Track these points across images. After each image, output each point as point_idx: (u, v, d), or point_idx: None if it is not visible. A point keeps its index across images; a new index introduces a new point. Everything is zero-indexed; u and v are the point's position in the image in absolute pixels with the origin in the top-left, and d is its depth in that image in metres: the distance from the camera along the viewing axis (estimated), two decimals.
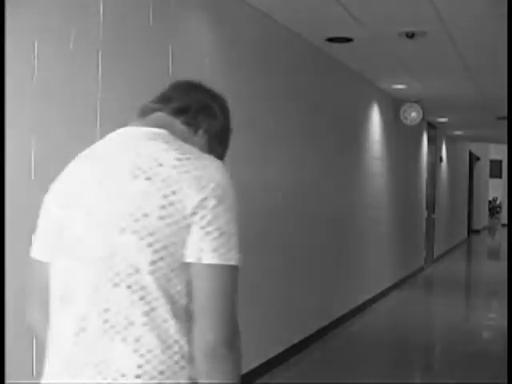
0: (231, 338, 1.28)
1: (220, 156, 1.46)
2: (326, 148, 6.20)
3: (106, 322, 1.22)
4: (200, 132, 1.43)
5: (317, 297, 5.94)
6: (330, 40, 5.52)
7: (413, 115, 8.68)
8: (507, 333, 5.45)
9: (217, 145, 1.48)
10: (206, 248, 1.22)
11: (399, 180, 9.37)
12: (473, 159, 19.40)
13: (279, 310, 5.12)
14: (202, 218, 1.22)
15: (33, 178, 2.66)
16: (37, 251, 1.42)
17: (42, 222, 1.43)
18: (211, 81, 4.26)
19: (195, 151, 1.32)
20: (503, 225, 23.35)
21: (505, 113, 9.28)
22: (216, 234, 1.23)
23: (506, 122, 10.08)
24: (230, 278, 1.30)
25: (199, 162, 1.27)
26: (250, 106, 4.59)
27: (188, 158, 1.26)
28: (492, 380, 4.79)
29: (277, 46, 5.02)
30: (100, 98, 3.04)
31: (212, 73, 4.06)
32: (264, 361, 4.82)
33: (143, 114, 1.42)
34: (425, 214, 11.54)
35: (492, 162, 23.58)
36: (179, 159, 1.25)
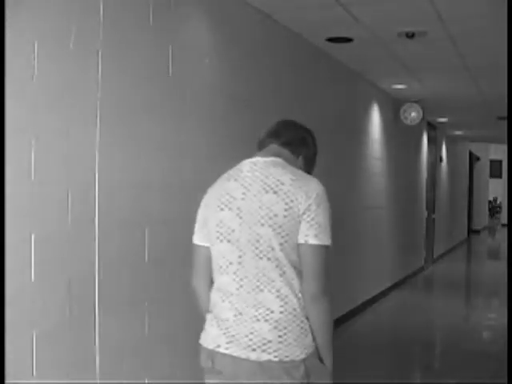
0: (323, 289, 1.96)
1: (310, 172, 2.24)
2: (325, 148, 6.19)
3: (257, 280, 1.98)
4: (300, 157, 2.23)
5: None
6: (330, 40, 5.52)
7: (413, 115, 8.67)
8: (507, 333, 5.45)
9: (310, 165, 2.28)
10: (310, 234, 1.95)
11: (399, 180, 9.37)
12: (473, 159, 19.39)
13: None
14: (308, 216, 1.96)
15: (33, 178, 2.66)
16: (199, 240, 2.18)
17: (200, 221, 2.19)
18: (211, 81, 4.24)
19: (300, 172, 2.10)
20: (503, 225, 23.34)
21: (505, 113, 9.28)
22: (316, 226, 1.96)
23: (506, 122, 10.08)
24: (324, 253, 1.98)
25: (305, 180, 2.04)
26: (250, 105, 4.59)
27: (298, 179, 2.03)
28: (492, 380, 4.79)
29: (277, 46, 5.02)
30: (100, 98, 3.04)
31: (212, 73, 4.06)
32: None
33: (262, 146, 2.25)
34: (425, 213, 11.54)
35: (492, 162, 23.57)
36: (292, 179, 2.02)
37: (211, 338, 2.09)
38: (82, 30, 2.91)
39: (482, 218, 21.81)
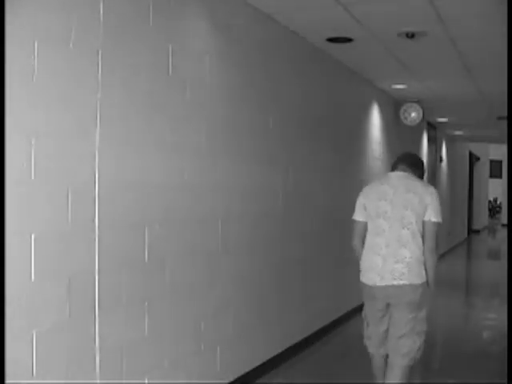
0: (435, 247, 3.62)
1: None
2: (325, 148, 6.20)
3: (399, 241, 3.62)
4: (418, 173, 3.87)
5: (316, 297, 5.94)
6: (330, 40, 5.52)
7: (413, 115, 8.68)
8: (507, 333, 5.45)
9: (421, 179, 3.91)
10: (431, 215, 3.61)
11: None
12: (473, 159, 19.39)
13: (279, 310, 5.12)
14: (430, 206, 3.62)
15: (33, 178, 2.66)
16: (359, 217, 3.83)
17: (360, 206, 3.86)
18: (211, 81, 4.25)
19: (423, 182, 3.84)
20: (503, 225, 23.34)
21: (505, 113, 9.27)
22: (434, 211, 3.62)
23: (506, 121, 10.08)
24: (437, 226, 3.64)
25: (427, 186, 3.81)
26: (250, 105, 4.59)
27: (424, 185, 3.76)
28: (492, 380, 4.79)
29: (277, 46, 5.02)
30: (100, 98, 3.04)
31: (212, 73, 4.06)
32: (264, 361, 4.83)
33: (395, 167, 3.87)
34: None
35: (492, 162, 23.58)
36: (421, 185, 3.73)
37: (369, 278, 3.75)
38: (81, 29, 2.91)
39: (482, 218, 21.81)
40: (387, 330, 3.80)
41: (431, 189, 3.73)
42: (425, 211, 3.61)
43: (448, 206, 14.03)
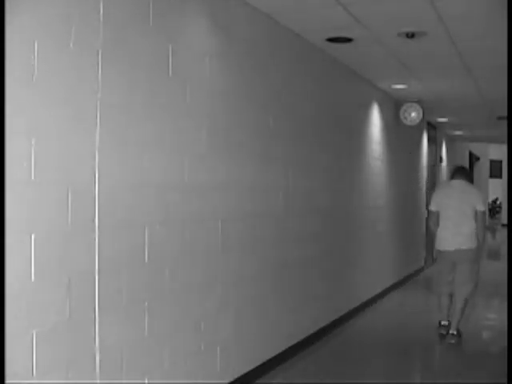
0: (484, 225, 6.04)
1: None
2: (325, 148, 6.20)
3: (459, 223, 5.98)
4: (468, 179, 6.25)
5: (317, 297, 5.94)
6: (330, 40, 5.52)
7: (413, 115, 8.68)
8: (507, 333, 5.45)
9: (471, 182, 6.41)
10: (480, 206, 5.99)
11: (399, 180, 9.37)
12: (473, 159, 19.39)
13: (279, 310, 5.12)
14: (478, 200, 6.04)
15: (33, 178, 2.66)
16: (434, 208, 6.15)
17: (435, 200, 6.20)
18: (211, 80, 4.24)
19: (472, 185, 6.29)
20: (503, 225, 23.32)
21: (505, 113, 9.27)
22: (481, 203, 6.03)
23: (506, 121, 10.08)
24: (485, 213, 6.11)
25: (477, 189, 6.46)
26: (250, 105, 4.59)
27: (472, 187, 6.23)
28: (492, 380, 4.79)
29: (277, 46, 5.02)
30: (100, 98, 3.04)
31: (212, 73, 4.06)
32: (264, 361, 4.83)
33: (453, 176, 6.32)
34: (425, 214, 11.52)
35: (492, 162, 23.56)
36: (471, 188, 6.19)
37: (443, 245, 6.01)
38: (81, 30, 2.91)
39: None
40: (453, 279, 6.08)
41: (476, 189, 6.32)
42: (475, 204, 5.96)
43: None
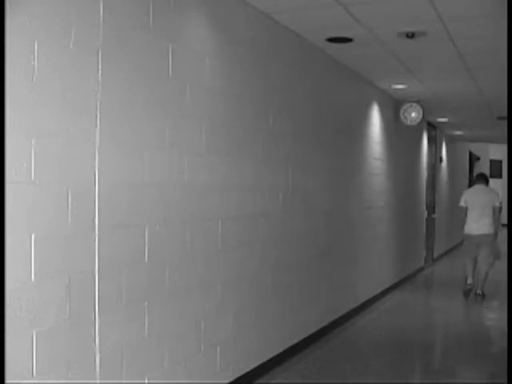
0: (498, 217, 8.59)
1: None
2: (325, 148, 6.20)
3: (482, 216, 8.51)
4: (487, 183, 8.89)
5: (317, 297, 5.94)
6: (330, 40, 5.52)
7: (413, 115, 8.67)
8: (507, 333, 5.45)
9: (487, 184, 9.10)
10: (496, 203, 8.52)
11: (399, 180, 9.37)
12: (473, 159, 19.38)
13: (279, 310, 5.12)
14: (495, 199, 8.56)
15: (33, 178, 2.66)
16: (464, 204, 8.66)
17: (465, 198, 8.69)
18: (211, 80, 4.24)
19: (491, 188, 8.93)
20: (503, 225, 23.32)
21: (505, 113, 9.28)
22: (497, 200, 8.55)
23: (506, 122, 10.08)
24: (500, 208, 8.62)
25: (496, 191, 8.88)
26: (250, 105, 4.59)
27: (491, 189, 8.85)
28: (492, 380, 4.79)
29: (277, 46, 5.02)
30: (100, 98, 3.04)
31: (212, 73, 4.06)
32: (264, 361, 4.83)
33: (475, 182, 9.00)
34: (425, 213, 11.54)
35: (492, 162, 23.55)
36: (490, 190, 8.80)
37: (469, 231, 8.54)
38: (81, 30, 2.92)
39: None
40: (475, 257, 8.50)
41: (494, 191, 8.69)
42: (493, 201, 8.35)
43: (448, 206, 14.03)
